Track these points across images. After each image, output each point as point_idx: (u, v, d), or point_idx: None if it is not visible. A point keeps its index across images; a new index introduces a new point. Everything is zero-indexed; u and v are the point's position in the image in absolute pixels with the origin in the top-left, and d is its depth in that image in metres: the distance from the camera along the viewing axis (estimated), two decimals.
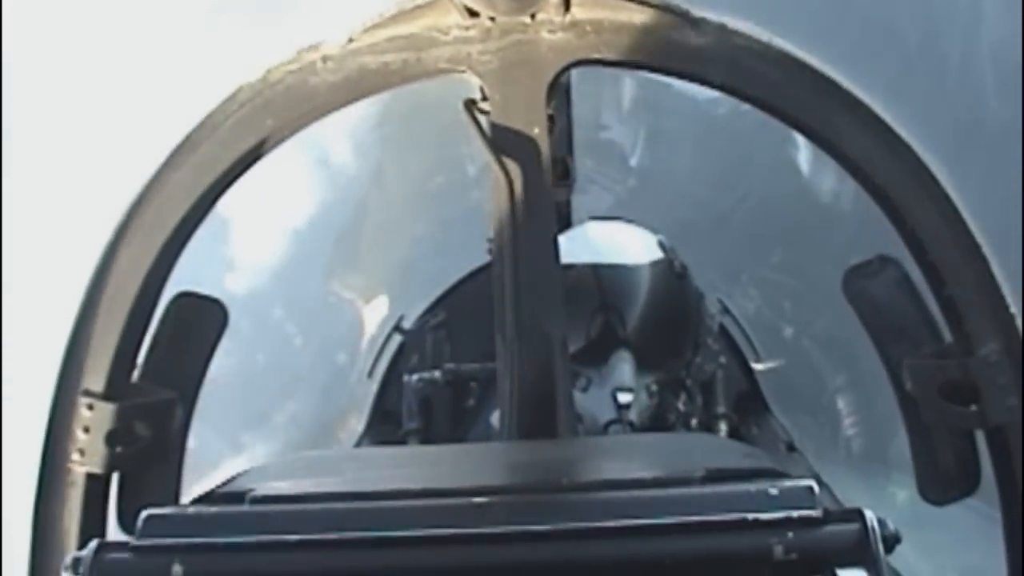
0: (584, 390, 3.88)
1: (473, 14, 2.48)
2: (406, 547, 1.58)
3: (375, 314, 5.88)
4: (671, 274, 4.23)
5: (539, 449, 2.39)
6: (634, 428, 3.86)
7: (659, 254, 4.20)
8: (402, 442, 4.93)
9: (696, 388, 4.56)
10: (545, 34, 2.51)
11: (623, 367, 3.95)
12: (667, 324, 4.22)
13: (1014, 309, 2.36)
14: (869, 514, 1.57)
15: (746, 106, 2.58)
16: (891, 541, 1.59)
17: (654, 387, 4.08)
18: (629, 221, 4.75)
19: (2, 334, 2.83)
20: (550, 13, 2.48)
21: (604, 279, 4.07)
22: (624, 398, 3.84)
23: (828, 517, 1.57)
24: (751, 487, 1.62)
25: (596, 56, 2.55)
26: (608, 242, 4.26)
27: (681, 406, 4.28)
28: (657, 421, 4.11)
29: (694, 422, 4.35)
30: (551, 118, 2.55)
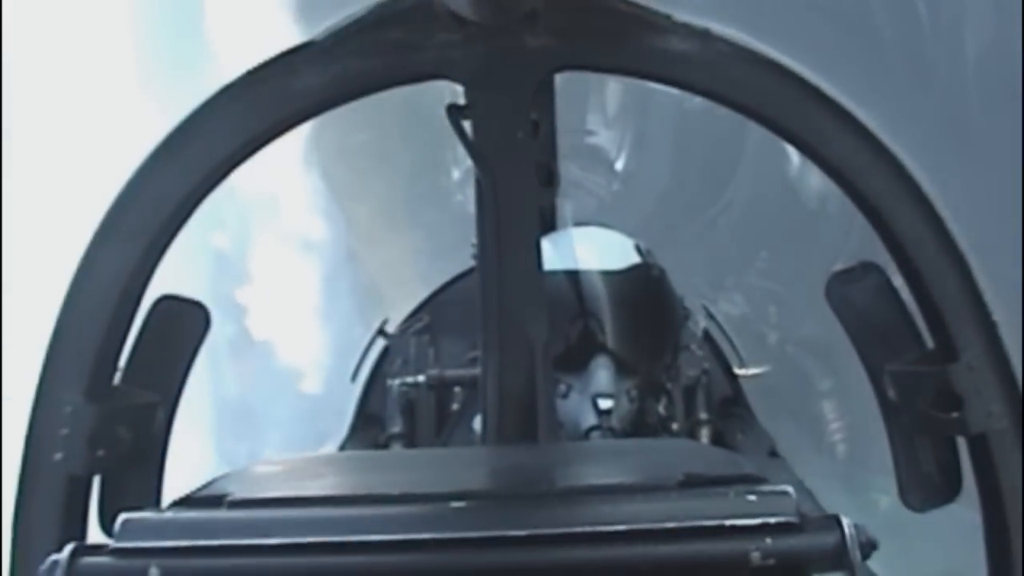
0: (564, 396, 3.87)
1: (458, 19, 2.48)
2: (384, 551, 1.57)
3: (358, 318, 5.88)
4: (649, 278, 4.23)
5: (520, 454, 2.39)
6: (615, 434, 3.86)
7: (636, 258, 4.20)
8: (385, 446, 4.92)
9: (679, 393, 4.56)
10: (529, 39, 2.50)
11: (603, 373, 3.94)
12: (646, 328, 4.22)
13: (996, 316, 2.37)
14: (847, 521, 1.58)
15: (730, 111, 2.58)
16: (868, 547, 1.59)
17: (634, 392, 4.07)
18: (605, 226, 4.75)
19: (2, 335, 2.81)
20: (534, 18, 2.48)
21: (582, 285, 4.07)
22: (604, 404, 3.83)
23: (806, 524, 1.57)
24: (729, 493, 1.62)
25: (580, 61, 2.55)
26: (585, 248, 4.26)
27: (662, 411, 4.28)
28: (638, 426, 4.10)
29: (675, 427, 4.35)
30: (535, 123, 2.56)
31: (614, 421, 3.90)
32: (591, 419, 3.86)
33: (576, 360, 4.00)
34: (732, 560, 1.53)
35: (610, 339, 4.06)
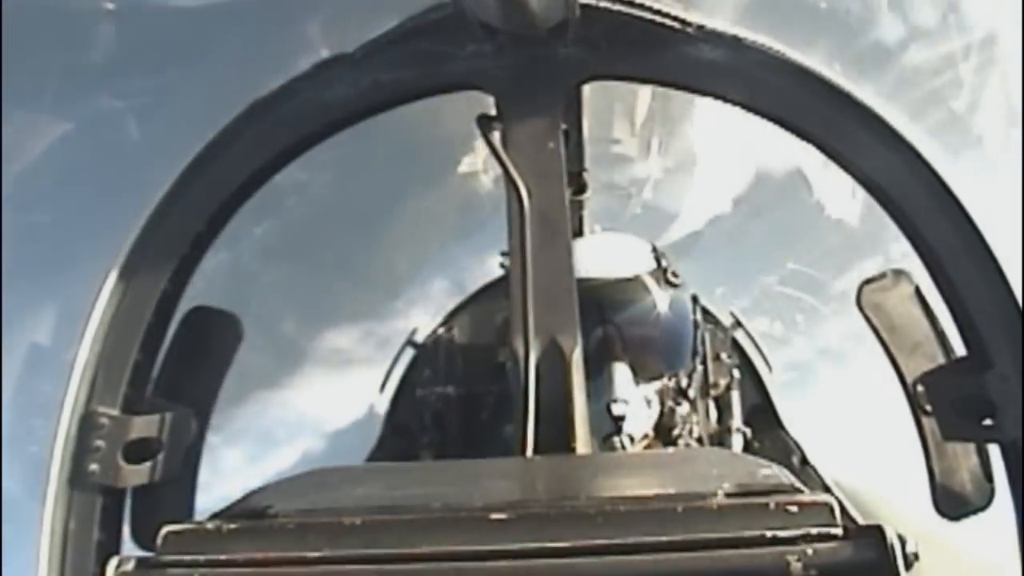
0: None
1: (488, 30, 2.48)
2: (428, 563, 1.57)
3: (388, 327, 5.89)
4: (666, 283, 4.20)
5: (559, 464, 2.38)
6: (632, 441, 3.84)
7: (652, 263, 4.17)
8: (415, 457, 4.91)
9: (704, 401, 4.53)
10: (560, 49, 2.51)
11: (621, 380, 3.89)
12: (664, 334, 4.19)
13: None
14: (889, 531, 1.56)
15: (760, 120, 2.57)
16: (910, 558, 1.58)
17: (654, 399, 4.04)
18: (619, 231, 4.73)
19: (2, 338, 2.83)
20: (564, 29, 2.49)
21: (600, 292, 4.04)
22: (621, 411, 3.80)
23: (848, 534, 1.56)
24: (770, 503, 1.61)
25: (610, 71, 2.55)
26: (602, 254, 4.23)
27: (682, 418, 4.24)
28: (660, 434, 4.08)
29: (696, 432, 4.31)
30: (566, 132, 2.56)
31: (633, 429, 3.88)
32: (608, 426, 3.84)
33: (594, 367, 3.97)
34: (774, 570, 1.52)
35: (628, 346, 4.03)
